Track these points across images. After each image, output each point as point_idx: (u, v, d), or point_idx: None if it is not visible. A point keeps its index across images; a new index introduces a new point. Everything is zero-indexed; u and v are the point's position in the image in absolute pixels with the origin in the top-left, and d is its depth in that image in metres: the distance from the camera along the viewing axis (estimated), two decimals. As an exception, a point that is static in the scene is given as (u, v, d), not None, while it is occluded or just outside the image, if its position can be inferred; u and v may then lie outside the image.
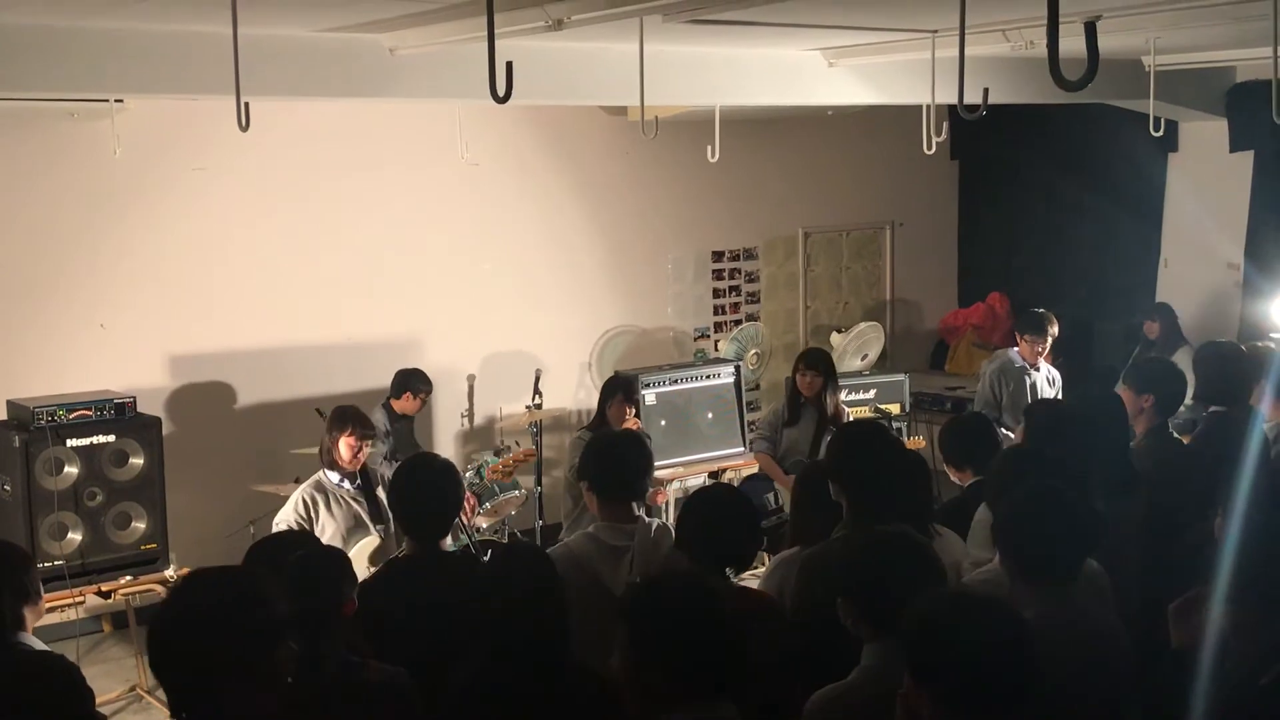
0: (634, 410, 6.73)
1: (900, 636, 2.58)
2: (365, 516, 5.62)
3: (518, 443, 7.99)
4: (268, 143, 7.28)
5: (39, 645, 3.41)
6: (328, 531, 5.51)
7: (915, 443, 7.94)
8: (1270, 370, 5.75)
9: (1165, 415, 5.07)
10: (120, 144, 6.54)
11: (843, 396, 8.13)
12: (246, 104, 4.48)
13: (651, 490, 6.14)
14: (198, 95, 5.73)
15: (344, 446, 5.61)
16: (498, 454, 7.29)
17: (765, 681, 3.22)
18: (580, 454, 4.28)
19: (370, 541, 5.53)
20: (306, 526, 5.49)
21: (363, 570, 4.81)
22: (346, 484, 5.65)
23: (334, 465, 5.64)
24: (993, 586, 3.57)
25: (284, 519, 5.53)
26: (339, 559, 3.51)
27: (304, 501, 5.55)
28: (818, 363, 6.82)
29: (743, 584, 3.98)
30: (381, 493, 5.74)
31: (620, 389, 6.71)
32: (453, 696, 3.14)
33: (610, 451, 4.15)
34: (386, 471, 6.49)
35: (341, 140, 7.93)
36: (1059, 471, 3.78)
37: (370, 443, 5.72)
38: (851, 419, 6.91)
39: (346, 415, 5.71)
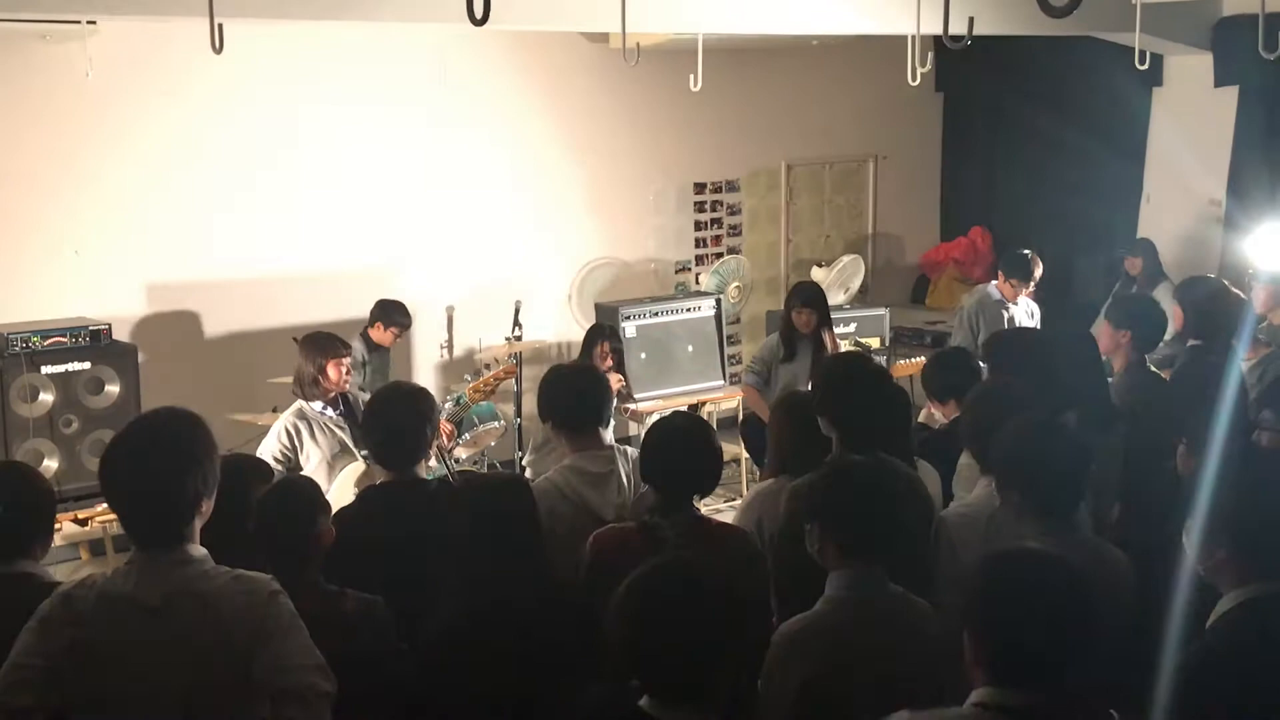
0: (614, 359, 6.75)
1: (958, 588, 2.58)
2: (349, 442, 5.60)
3: (496, 360, 7.96)
4: (242, 67, 7.17)
5: (49, 576, 3.36)
6: (313, 460, 5.47)
7: (908, 368, 7.91)
8: (1249, 308, 5.79)
9: (1143, 351, 5.10)
10: (93, 66, 6.43)
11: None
12: (220, 26, 4.40)
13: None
14: (170, 17, 5.62)
15: (333, 370, 5.56)
16: (477, 374, 7.29)
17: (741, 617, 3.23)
18: (538, 395, 4.30)
19: (356, 468, 5.50)
20: (291, 456, 5.46)
21: (350, 497, 4.80)
22: (329, 411, 5.62)
23: (315, 394, 5.59)
24: (968, 518, 3.61)
25: (267, 449, 5.49)
26: (310, 487, 3.49)
27: (287, 431, 5.51)
28: (812, 299, 6.79)
29: (719, 517, 4.00)
30: None
31: (603, 337, 6.76)
32: (436, 629, 3.16)
33: (567, 386, 4.16)
34: (362, 400, 6.47)
35: (318, 65, 7.81)
36: (1034, 404, 3.78)
37: (350, 358, 5.70)
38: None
39: (324, 340, 5.66)
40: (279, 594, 2.68)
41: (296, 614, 2.69)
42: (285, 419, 5.55)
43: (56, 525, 5.81)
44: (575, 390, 4.12)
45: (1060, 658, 2.36)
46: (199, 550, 2.70)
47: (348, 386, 5.65)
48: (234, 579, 2.67)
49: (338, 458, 5.52)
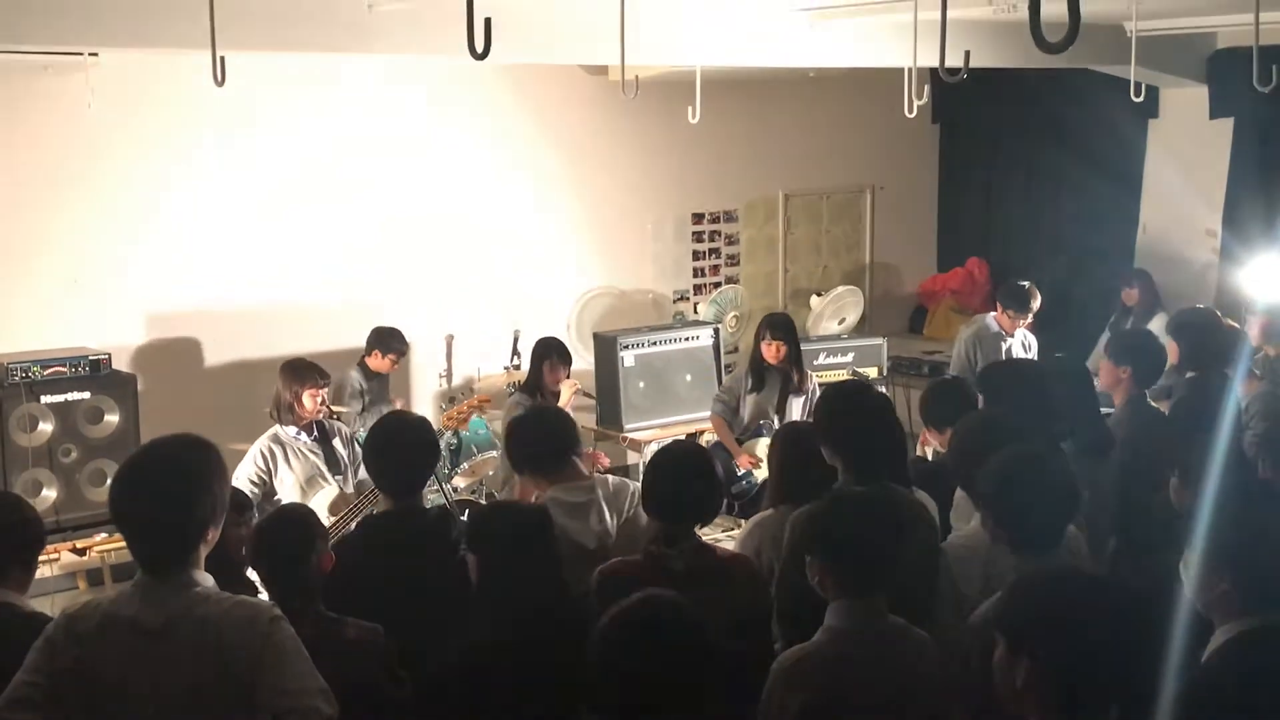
0: (567, 372, 6.75)
1: (998, 605, 2.57)
2: (323, 467, 5.67)
3: (473, 390, 7.98)
4: (243, 99, 7.20)
5: (28, 606, 3.35)
6: (286, 483, 5.56)
7: None
8: (1245, 338, 5.80)
9: (1143, 386, 5.08)
10: (94, 97, 6.46)
11: (820, 360, 8.17)
12: (222, 59, 4.43)
13: (591, 451, 6.24)
14: (173, 50, 5.65)
15: (308, 399, 5.65)
16: (452, 401, 7.30)
17: (740, 643, 3.23)
18: (504, 449, 4.33)
19: (329, 492, 5.58)
20: (266, 479, 5.56)
21: (325, 522, 4.84)
22: (304, 437, 5.70)
23: (290, 420, 5.66)
24: (968, 549, 3.60)
25: (243, 472, 5.55)
26: (308, 516, 3.51)
27: (263, 454, 5.59)
28: (781, 330, 6.79)
29: (718, 544, 4.00)
30: (339, 444, 5.80)
31: (552, 352, 6.73)
32: (450, 657, 3.17)
33: (533, 433, 4.22)
34: (362, 430, 6.50)
35: (318, 97, 7.86)
36: (1020, 435, 3.78)
37: (328, 389, 5.78)
38: (818, 384, 6.85)
39: (303, 368, 5.75)
40: (280, 619, 2.69)
41: (298, 639, 2.70)
42: (261, 442, 5.65)
43: (55, 555, 5.85)
44: (543, 432, 4.19)
45: (1128, 675, 2.36)
46: (204, 576, 2.72)
47: (320, 415, 5.71)
48: (236, 604, 2.68)
49: (311, 482, 5.62)
